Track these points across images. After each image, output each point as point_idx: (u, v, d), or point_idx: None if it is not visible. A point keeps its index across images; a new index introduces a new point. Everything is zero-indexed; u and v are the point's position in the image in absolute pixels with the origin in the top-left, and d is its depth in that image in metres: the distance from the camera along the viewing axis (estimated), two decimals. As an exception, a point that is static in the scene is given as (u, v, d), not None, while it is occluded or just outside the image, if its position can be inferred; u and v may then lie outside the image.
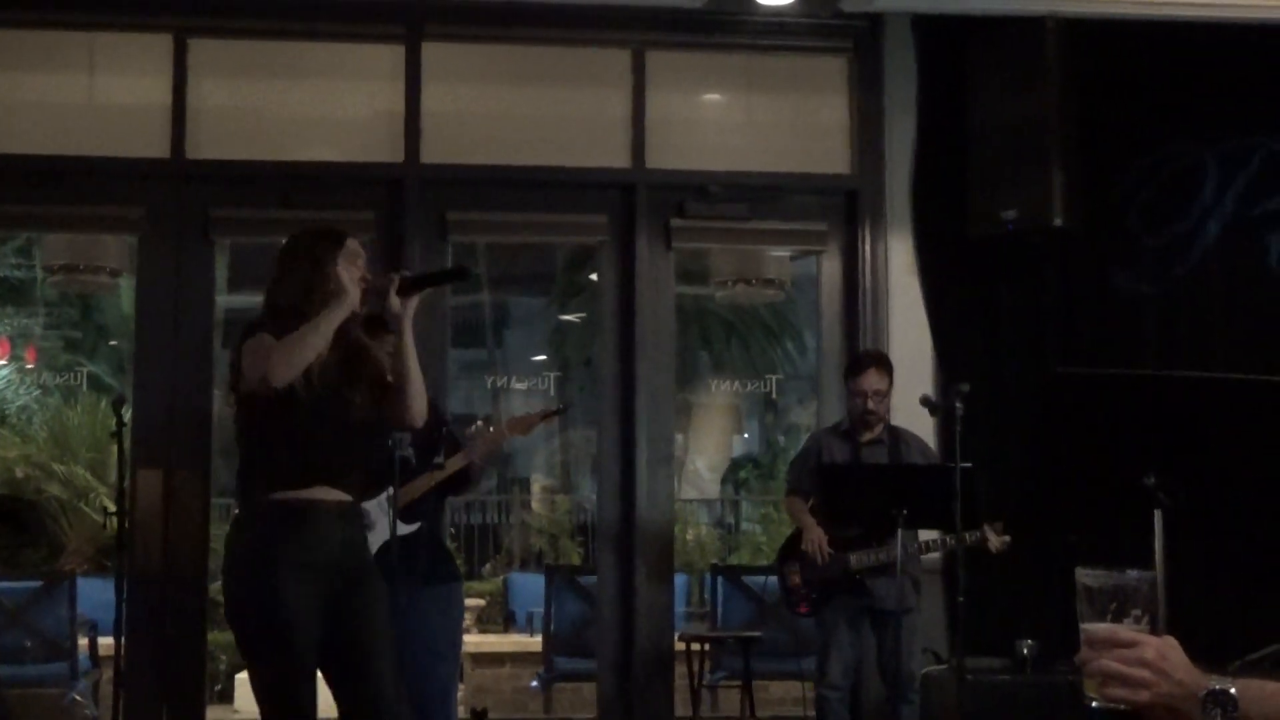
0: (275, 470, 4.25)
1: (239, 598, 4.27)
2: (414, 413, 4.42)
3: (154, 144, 7.15)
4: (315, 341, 4.17)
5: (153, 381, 7.15)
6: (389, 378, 4.40)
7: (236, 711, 8.53)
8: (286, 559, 4.17)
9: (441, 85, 7.36)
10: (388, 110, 7.30)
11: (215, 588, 9.43)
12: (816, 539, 6.37)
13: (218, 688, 9.07)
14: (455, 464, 5.64)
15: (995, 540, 6.17)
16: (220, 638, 9.77)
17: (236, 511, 4.41)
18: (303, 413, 4.18)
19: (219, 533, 7.12)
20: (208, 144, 7.21)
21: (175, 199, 7.18)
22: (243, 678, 8.90)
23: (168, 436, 7.08)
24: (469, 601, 9.63)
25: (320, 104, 7.39)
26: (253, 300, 11.95)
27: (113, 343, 13.72)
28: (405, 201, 7.20)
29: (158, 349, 7.16)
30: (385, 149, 7.30)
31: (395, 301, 4.32)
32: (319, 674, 4.30)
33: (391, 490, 5.39)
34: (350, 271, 4.35)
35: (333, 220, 7.34)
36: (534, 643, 9.51)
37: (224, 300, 10.21)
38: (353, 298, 4.27)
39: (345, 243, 4.42)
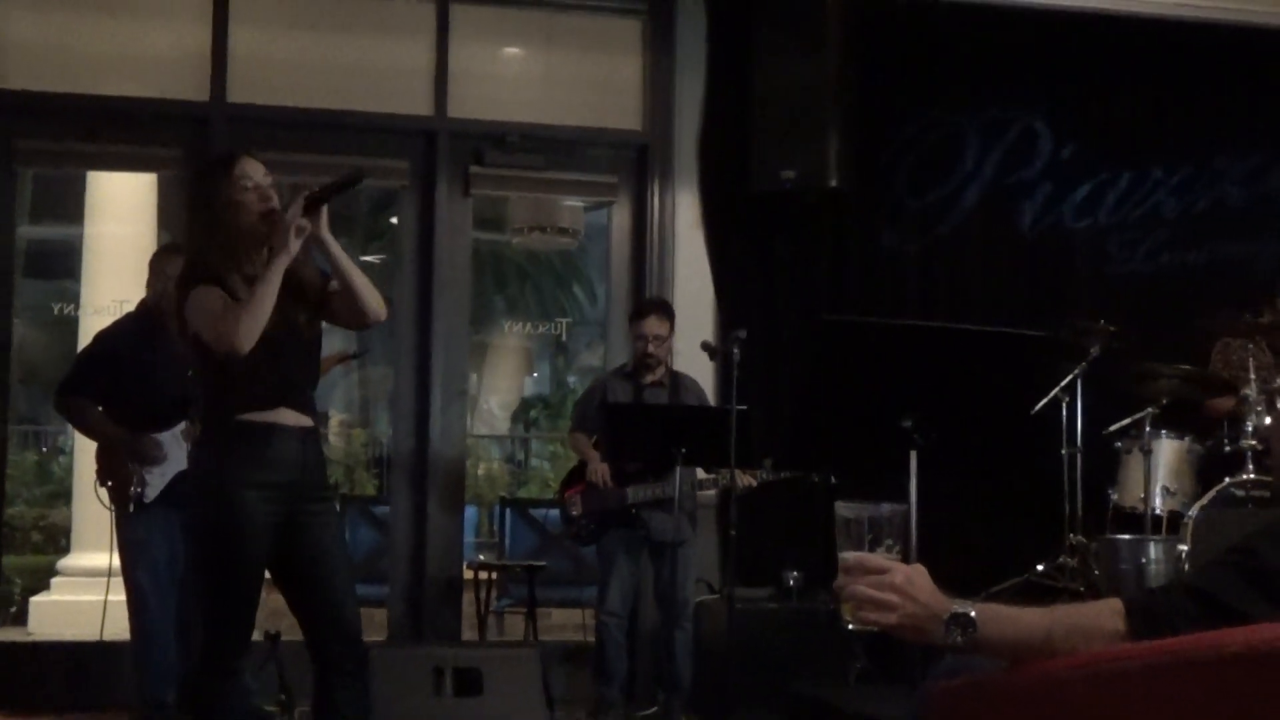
0: (239, 394, 4.18)
1: (202, 515, 4.27)
2: (373, 308, 4.33)
3: (-42, 73, 7.09)
4: (270, 298, 4.10)
5: (-48, 309, 7.07)
6: (331, 286, 4.35)
7: (31, 634, 8.49)
8: (248, 478, 4.14)
9: (248, 27, 7.41)
10: (196, 50, 7.34)
11: (12, 511, 9.36)
12: (600, 469, 6.64)
13: (12, 609, 8.99)
14: None
15: (743, 479, 6.39)
16: (16, 560, 9.62)
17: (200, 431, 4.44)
18: (259, 341, 4.10)
19: (16, 459, 7.09)
20: (14, 74, 7.20)
21: (-22, 128, 7.12)
22: (38, 600, 8.76)
23: (-34, 363, 6.99)
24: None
25: (129, 39, 7.38)
26: (56, 231, 11.84)
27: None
28: (212, 139, 7.23)
29: (-43, 276, 7.08)
30: (192, 87, 7.34)
31: (304, 223, 4.20)
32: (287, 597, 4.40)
33: (185, 423, 5.57)
34: (248, 197, 4.24)
35: (138, 154, 7.46)
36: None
37: (26, 230, 10.08)
38: (291, 249, 4.17)
39: (233, 169, 4.28)
